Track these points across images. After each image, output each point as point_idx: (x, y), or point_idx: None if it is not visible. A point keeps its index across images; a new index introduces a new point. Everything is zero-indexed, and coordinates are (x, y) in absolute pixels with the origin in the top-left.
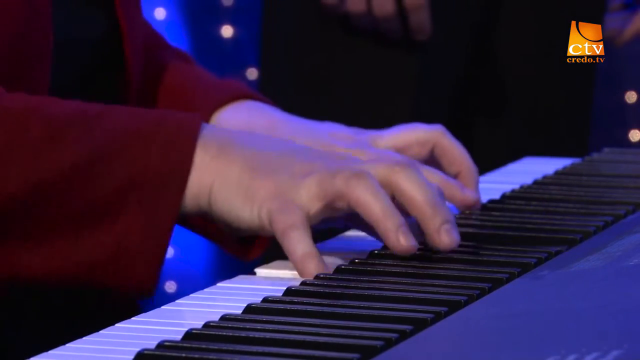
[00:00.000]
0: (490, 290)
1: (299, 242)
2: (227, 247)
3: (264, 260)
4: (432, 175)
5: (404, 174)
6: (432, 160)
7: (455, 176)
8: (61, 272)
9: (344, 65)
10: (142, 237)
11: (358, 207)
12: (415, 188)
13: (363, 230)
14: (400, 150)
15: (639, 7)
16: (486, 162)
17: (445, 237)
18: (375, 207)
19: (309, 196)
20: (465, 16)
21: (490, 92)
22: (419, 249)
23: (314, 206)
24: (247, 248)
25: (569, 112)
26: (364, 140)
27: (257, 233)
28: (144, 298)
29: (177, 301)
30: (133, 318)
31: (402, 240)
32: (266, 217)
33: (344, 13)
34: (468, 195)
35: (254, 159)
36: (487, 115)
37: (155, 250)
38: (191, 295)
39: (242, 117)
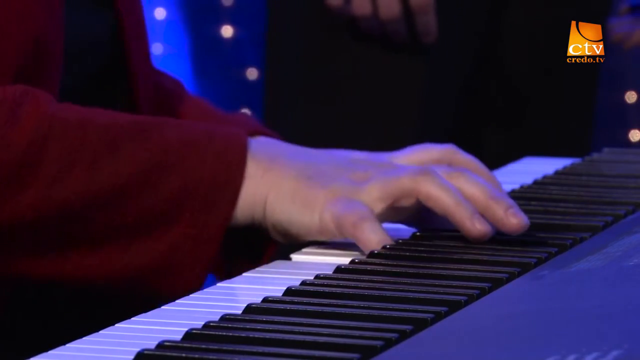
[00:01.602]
0: (490, 290)
1: (372, 232)
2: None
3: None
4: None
5: (462, 178)
6: None
7: None
8: (111, 276)
9: (349, 67)
10: (192, 245)
11: (429, 201)
12: (473, 186)
13: (405, 223)
14: None
15: None
16: (488, 162)
17: (513, 219)
18: (447, 198)
19: (371, 199)
20: (470, 19)
21: (492, 93)
22: (418, 250)
23: (377, 207)
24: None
25: (570, 112)
26: (384, 160)
27: (316, 238)
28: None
29: (177, 301)
30: (133, 318)
31: (478, 225)
32: (330, 219)
33: (349, 16)
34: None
35: (307, 169)
36: (488, 116)
37: (204, 258)
38: (191, 295)
39: None
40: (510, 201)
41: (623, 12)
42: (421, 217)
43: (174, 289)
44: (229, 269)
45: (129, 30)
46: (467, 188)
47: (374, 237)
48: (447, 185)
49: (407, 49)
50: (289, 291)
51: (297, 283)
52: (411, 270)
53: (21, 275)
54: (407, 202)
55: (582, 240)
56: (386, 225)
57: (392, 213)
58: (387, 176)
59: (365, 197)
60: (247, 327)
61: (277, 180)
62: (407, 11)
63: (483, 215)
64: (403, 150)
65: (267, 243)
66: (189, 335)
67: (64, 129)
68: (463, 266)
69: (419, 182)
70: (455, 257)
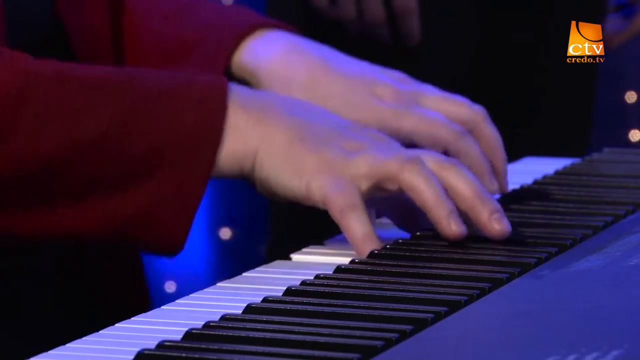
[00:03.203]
0: (490, 290)
1: (359, 223)
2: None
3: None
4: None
5: (453, 170)
6: None
7: None
8: (95, 227)
9: None
10: (174, 195)
11: (410, 191)
12: (462, 182)
13: (391, 218)
14: None
15: (634, 9)
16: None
17: (497, 225)
18: (428, 193)
19: (358, 174)
20: (465, 17)
21: (489, 92)
22: (418, 250)
23: (363, 185)
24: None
25: (569, 112)
26: (411, 98)
27: (300, 202)
28: (171, 255)
29: (177, 301)
30: (133, 318)
31: (453, 226)
32: (318, 192)
33: (335, 18)
34: (494, 185)
35: (301, 129)
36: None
37: (187, 208)
38: (191, 295)
39: (278, 64)
40: (497, 205)
41: (610, 10)
42: (410, 216)
43: (159, 241)
44: None
45: None
46: (456, 183)
47: (360, 228)
48: (431, 179)
49: (390, 51)
50: (289, 291)
51: (297, 283)
52: (411, 270)
53: (6, 232)
54: (391, 186)
55: (582, 240)
56: (386, 225)
57: (378, 192)
58: (377, 154)
59: (353, 171)
60: (247, 327)
61: (269, 134)
62: (391, 15)
63: (467, 213)
64: (436, 90)
65: None
66: (189, 335)
67: (42, 83)
68: (463, 266)
69: (405, 170)
70: (455, 257)
